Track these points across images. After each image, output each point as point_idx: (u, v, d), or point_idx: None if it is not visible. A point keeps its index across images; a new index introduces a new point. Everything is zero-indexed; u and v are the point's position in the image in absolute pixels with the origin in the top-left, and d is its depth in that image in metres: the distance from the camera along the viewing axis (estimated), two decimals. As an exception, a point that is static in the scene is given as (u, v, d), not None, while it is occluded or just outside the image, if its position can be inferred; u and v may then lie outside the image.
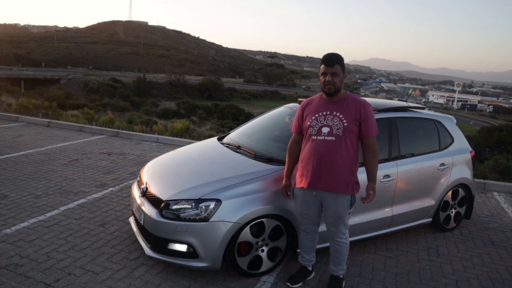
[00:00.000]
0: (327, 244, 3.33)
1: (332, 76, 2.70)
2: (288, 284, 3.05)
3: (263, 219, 3.03)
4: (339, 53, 2.78)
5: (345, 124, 2.71)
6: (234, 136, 4.25)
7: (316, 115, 2.81)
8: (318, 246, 3.28)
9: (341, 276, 3.03)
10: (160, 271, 3.14)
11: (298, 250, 3.27)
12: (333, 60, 2.70)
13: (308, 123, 2.83)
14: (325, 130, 2.74)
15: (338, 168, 2.72)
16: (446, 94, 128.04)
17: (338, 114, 2.74)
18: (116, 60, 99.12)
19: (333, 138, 2.71)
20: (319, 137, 2.76)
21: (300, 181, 2.89)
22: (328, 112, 2.78)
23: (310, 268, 3.16)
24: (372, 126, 2.76)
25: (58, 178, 5.19)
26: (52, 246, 3.41)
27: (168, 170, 3.61)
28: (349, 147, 2.73)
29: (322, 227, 3.11)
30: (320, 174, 2.75)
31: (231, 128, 11.52)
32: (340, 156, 2.71)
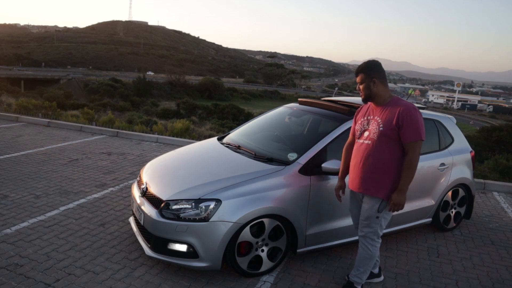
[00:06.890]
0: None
1: (359, 85, 2.81)
2: None
3: (263, 219, 3.03)
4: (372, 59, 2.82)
5: (381, 128, 2.72)
6: (234, 136, 4.25)
7: (362, 119, 2.91)
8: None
9: (356, 286, 2.95)
10: (160, 271, 3.14)
11: (298, 251, 3.27)
12: (357, 70, 2.82)
13: (356, 127, 2.96)
14: (366, 134, 2.83)
15: (370, 171, 2.76)
16: (446, 94, 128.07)
17: (377, 118, 2.78)
18: (116, 60, 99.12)
19: (369, 142, 2.78)
20: (359, 140, 2.87)
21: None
22: (371, 117, 2.85)
23: (376, 271, 3.18)
24: (410, 131, 2.63)
25: (58, 178, 5.19)
26: (52, 246, 3.41)
27: (168, 170, 3.60)
28: (385, 152, 2.72)
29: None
30: (355, 175, 2.86)
31: (231, 128, 11.51)
32: (373, 160, 2.75)
